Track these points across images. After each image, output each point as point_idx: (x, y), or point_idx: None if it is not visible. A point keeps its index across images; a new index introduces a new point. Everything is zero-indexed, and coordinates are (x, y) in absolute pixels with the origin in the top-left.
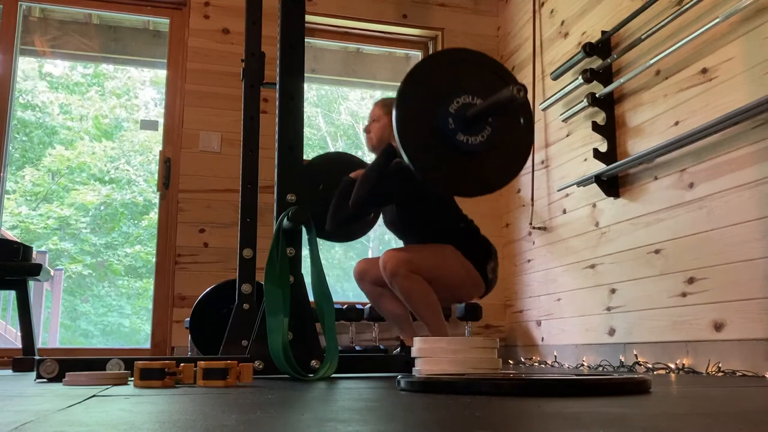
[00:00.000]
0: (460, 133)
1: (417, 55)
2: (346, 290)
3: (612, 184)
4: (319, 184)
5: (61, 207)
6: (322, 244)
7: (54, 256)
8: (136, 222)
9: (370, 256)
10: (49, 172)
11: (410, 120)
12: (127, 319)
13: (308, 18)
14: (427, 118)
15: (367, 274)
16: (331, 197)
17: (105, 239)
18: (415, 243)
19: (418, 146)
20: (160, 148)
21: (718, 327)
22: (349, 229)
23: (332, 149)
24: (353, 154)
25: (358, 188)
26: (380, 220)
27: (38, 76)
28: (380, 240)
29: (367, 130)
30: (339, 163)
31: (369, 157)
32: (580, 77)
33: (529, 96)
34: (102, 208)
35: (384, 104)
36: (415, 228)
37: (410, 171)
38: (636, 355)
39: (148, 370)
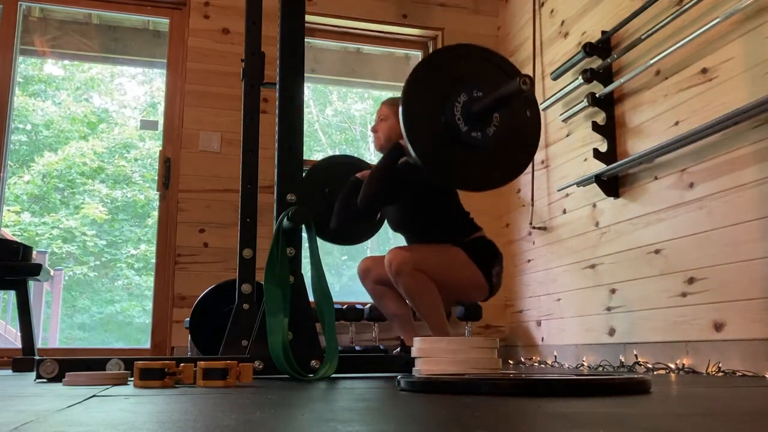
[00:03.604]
0: (468, 128)
1: (417, 55)
2: (346, 290)
3: (612, 184)
4: (325, 188)
5: (67, 218)
6: (323, 245)
7: (57, 260)
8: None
9: (369, 254)
10: (48, 176)
11: (417, 116)
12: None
13: (308, 18)
14: (433, 114)
15: (370, 272)
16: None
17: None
18: (421, 243)
19: (425, 142)
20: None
21: (718, 327)
22: (353, 231)
23: (330, 150)
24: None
25: (365, 187)
26: (385, 224)
27: (36, 77)
28: (379, 241)
29: (374, 129)
30: (344, 166)
31: (374, 158)
32: (580, 77)
33: None
34: (108, 218)
35: (392, 103)
36: (421, 227)
37: (417, 169)
38: (636, 355)
39: (148, 370)
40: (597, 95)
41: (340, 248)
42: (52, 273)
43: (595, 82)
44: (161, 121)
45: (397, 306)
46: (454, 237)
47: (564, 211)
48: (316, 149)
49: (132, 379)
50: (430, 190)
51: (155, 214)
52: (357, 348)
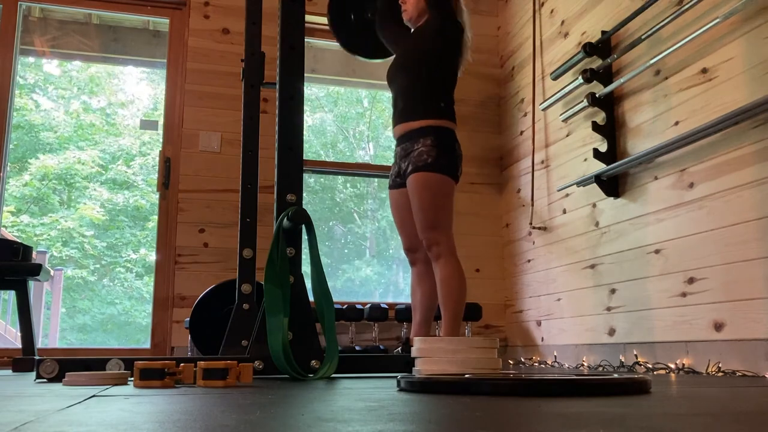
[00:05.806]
0: None
1: None
2: (346, 290)
3: (612, 184)
4: (367, 12)
5: (66, 219)
6: (322, 249)
7: (58, 263)
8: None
9: (368, 256)
10: (46, 178)
11: None
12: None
13: (308, 18)
14: None
15: (420, 246)
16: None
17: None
18: (403, 107)
19: None
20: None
21: (718, 327)
22: (372, 43)
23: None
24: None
25: None
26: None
27: (36, 77)
28: (378, 239)
29: (402, 1)
30: None
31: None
32: (580, 77)
33: (529, 96)
34: (107, 220)
35: None
36: (416, 80)
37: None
38: (636, 355)
39: (148, 370)
40: (597, 95)
41: (338, 250)
42: (52, 273)
43: (595, 82)
44: (161, 122)
45: (430, 295)
46: (435, 109)
47: (564, 211)
48: (309, 151)
49: (132, 379)
50: (446, 51)
51: (155, 218)
52: (357, 348)
